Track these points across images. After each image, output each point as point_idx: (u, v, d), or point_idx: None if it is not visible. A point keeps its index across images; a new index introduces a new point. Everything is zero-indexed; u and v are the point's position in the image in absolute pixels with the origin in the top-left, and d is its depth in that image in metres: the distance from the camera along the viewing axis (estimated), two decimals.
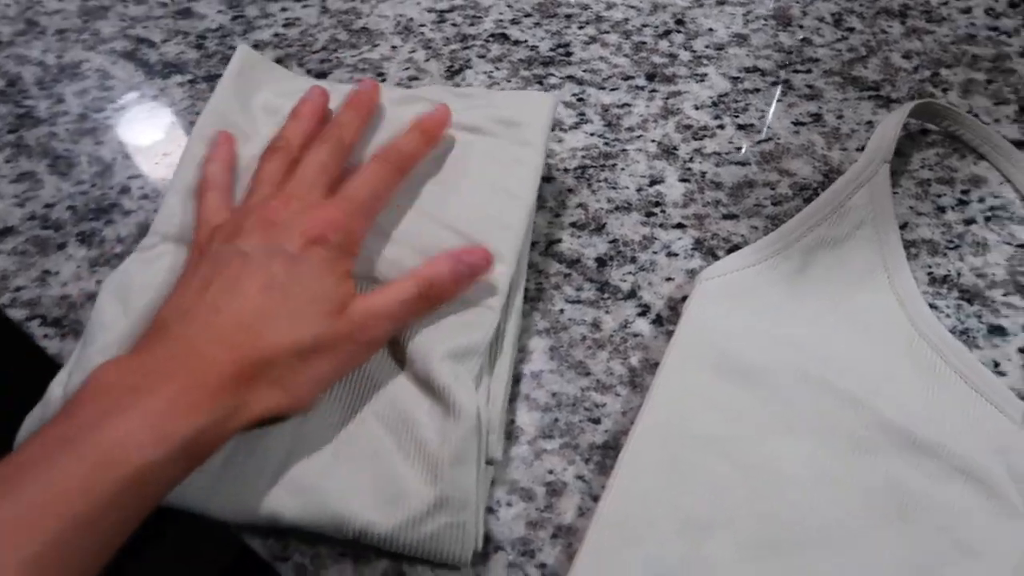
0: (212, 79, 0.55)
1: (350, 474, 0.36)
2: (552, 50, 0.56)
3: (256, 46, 0.57)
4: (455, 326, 0.39)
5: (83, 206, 0.49)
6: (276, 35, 0.57)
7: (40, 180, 0.50)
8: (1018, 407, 0.39)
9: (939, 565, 0.36)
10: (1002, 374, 0.41)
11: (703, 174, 0.49)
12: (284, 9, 0.59)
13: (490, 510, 0.39)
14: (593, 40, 0.56)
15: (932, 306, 0.43)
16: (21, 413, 0.39)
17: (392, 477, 0.36)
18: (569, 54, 0.55)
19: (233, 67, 0.47)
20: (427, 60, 0.56)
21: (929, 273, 0.45)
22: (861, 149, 0.50)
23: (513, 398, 0.41)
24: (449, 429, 0.36)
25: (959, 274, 0.45)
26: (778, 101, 0.52)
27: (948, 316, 0.43)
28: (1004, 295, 0.44)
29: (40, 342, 0.44)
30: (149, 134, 0.52)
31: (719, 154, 0.50)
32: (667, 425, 0.39)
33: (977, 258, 0.45)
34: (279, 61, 0.55)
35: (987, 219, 0.47)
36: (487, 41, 0.56)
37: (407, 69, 0.55)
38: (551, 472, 0.40)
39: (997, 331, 0.43)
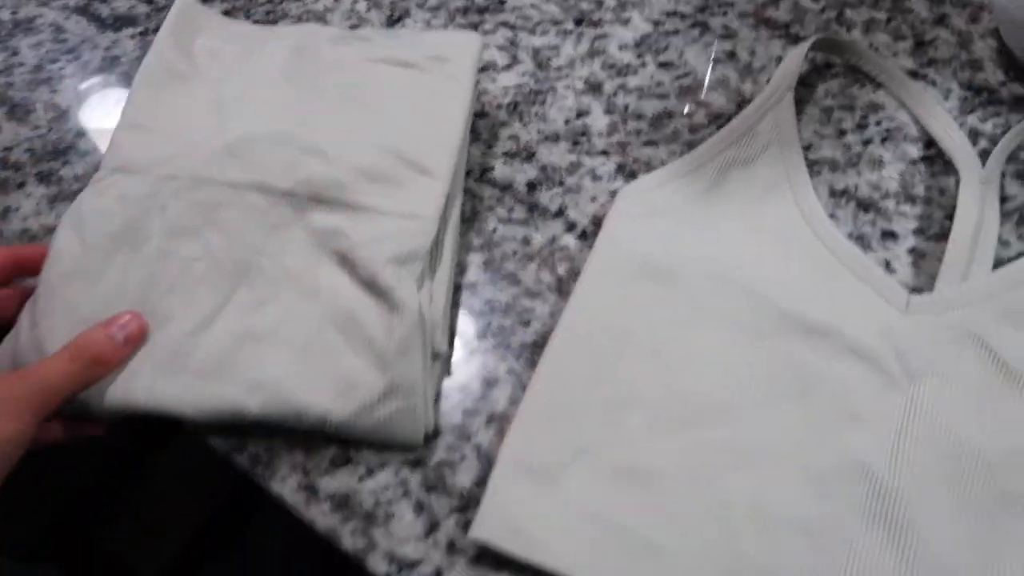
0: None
1: (307, 371, 0.40)
2: None
3: (204, 1, 0.60)
4: (396, 235, 0.42)
5: (41, 148, 0.52)
6: None
7: None
8: (902, 296, 0.43)
9: (832, 432, 0.40)
10: (893, 271, 0.46)
11: (626, 107, 0.53)
12: None
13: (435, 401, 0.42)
14: None
15: (831, 215, 0.48)
16: None
17: (345, 372, 0.40)
18: (502, 2, 0.59)
19: (173, 14, 0.51)
20: (368, 10, 0.59)
21: (830, 186, 0.49)
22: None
23: (451, 306, 0.45)
24: (394, 324, 0.40)
25: (856, 188, 0.49)
26: (695, 41, 0.56)
27: (846, 224, 0.48)
28: (897, 204, 0.48)
29: None
30: (102, 83, 0.55)
31: (641, 89, 0.54)
32: (587, 321, 0.43)
33: (873, 173, 0.50)
34: (226, 14, 0.58)
35: (883, 140, 0.51)
36: None
37: (350, 19, 0.58)
38: (485, 368, 0.43)
39: (889, 235, 0.47)
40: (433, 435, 0.41)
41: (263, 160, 0.44)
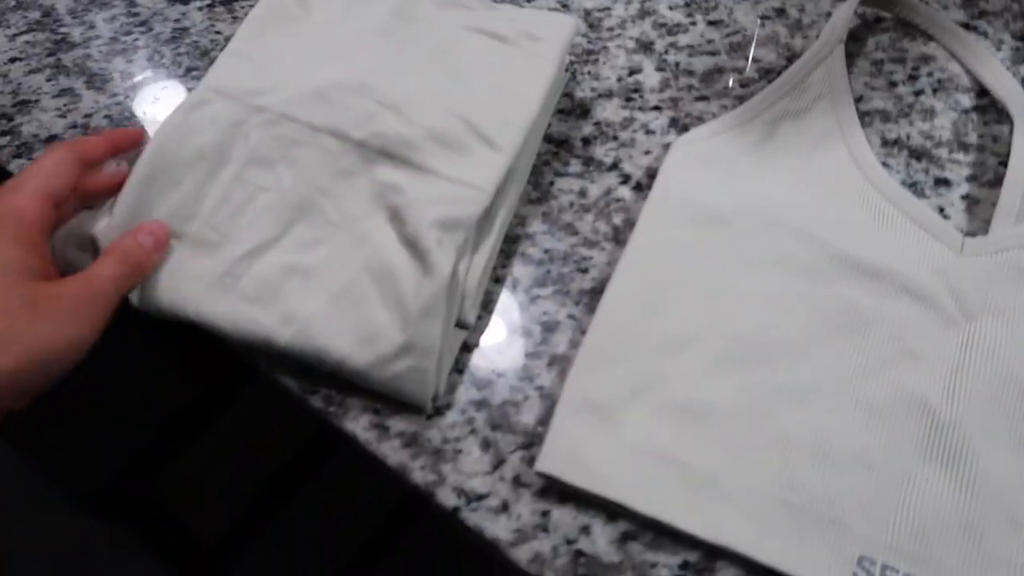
0: (229, 2, 0.60)
1: (337, 315, 0.42)
2: None
3: None
4: (448, 200, 0.43)
5: (118, 115, 0.55)
6: None
7: (79, 95, 0.56)
8: (957, 238, 0.44)
9: (889, 368, 0.41)
10: (947, 217, 0.46)
11: (677, 64, 0.54)
12: None
13: (494, 347, 0.44)
14: None
15: (884, 164, 0.48)
16: None
17: (370, 321, 0.41)
18: None
19: None
20: None
21: (882, 137, 0.50)
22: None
23: (510, 254, 0.47)
24: (424, 285, 0.41)
25: (908, 137, 0.50)
26: (744, 0, 0.57)
27: (898, 172, 0.48)
28: (949, 153, 0.49)
29: None
30: (174, 53, 0.58)
31: (692, 47, 0.55)
32: (643, 265, 0.44)
33: (925, 123, 0.50)
34: None
35: (935, 90, 0.51)
36: None
37: None
38: (545, 313, 0.45)
39: (942, 183, 0.48)
40: (495, 376, 0.43)
41: (343, 107, 0.46)
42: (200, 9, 0.60)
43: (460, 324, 0.43)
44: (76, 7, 0.61)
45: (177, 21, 0.60)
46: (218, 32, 0.59)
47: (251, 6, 0.59)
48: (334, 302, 0.42)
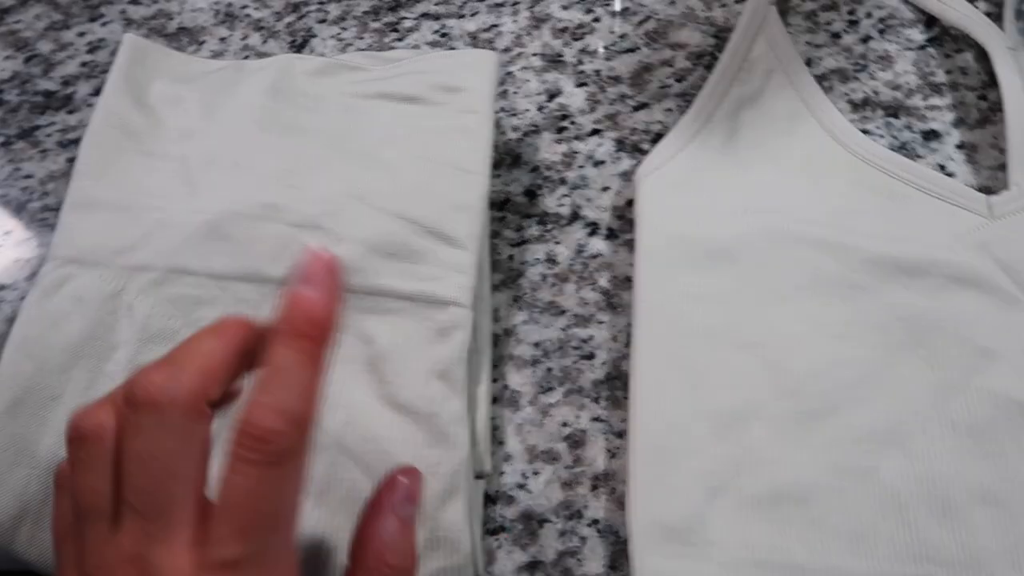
0: (28, 134, 0.47)
1: (326, 524, 0.32)
2: None
3: (66, 82, 0.49)
4: (428, 334, 0.34)
5: None
6: (84, 64, 0.50)
7: None
8: (979, 200, 0.39)
9: (969, 375, 0.35)
10: (951, 175, 0.41)
11: (598, 72, 0.46)
12: (82, 34, 0.51)
13: (520, 486, 0.35)
14: None
15: (864, 131, 0.42)
16: None
17: None
18: None
19: (121, 60, 0.41)
20: (265, 42, 0.50)
21: (849, 101, 0.44)
22: (740, 1, 0.48)
23: (497, 362, 0.38)
24: (434, 461, 0.32)
25: (876, 92, 0.44)
26: None
27: (882, 136, 0.43)
28: (924, 99, 0.44)
29: None
30: None
31: (606, 47, 0.47)
32: (664, 334, 0.37)
33: (886, 72, 0.45)
34: None
35: (881, 32, 0.46)
36: (321, 2, 0.50)
37: (245, 58, 0.49)
38: (565, 424, 0.37)
39: (931, 135, 0.42)
40: (537, 524, 0.35)
41: (248, 242, 0.36)
42: None
43: (477, 474, 0.34)
44: None
45: None
46: (28, 176, 0.46)
47: (60, 131, 0.46)
48: (319, 505, 0.32)
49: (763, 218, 0.39)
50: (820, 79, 0.44)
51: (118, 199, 0.37)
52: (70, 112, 0.48)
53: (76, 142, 0.47)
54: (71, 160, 0.46)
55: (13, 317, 0.40)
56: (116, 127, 0.39)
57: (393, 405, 0.33)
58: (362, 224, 0.35)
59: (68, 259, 0.36)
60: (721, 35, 0.47)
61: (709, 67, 0.46)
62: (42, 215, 0.45)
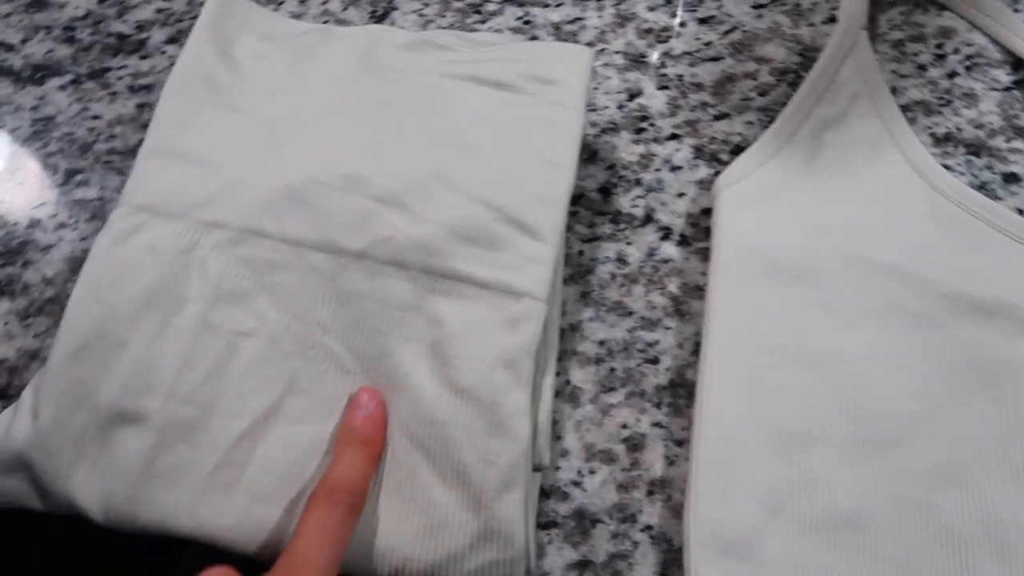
0: (98, 75, 0.47)
1: (383, 505, 0.32)
2: None
3: (140, 26, 0.49)
4: (500, 322, 0.33)
5: None
6: (159, 10, 0.49)
7: None
8: None
9: None
10: None
11: (680, 77, 0.46)
12: None
13: (575, 483, 0.35)
14: None
15: (945, 166, 0.42)
16: None
17: (430, 506, 0.31)
18: None
19: (208, 9, 0.40)
20: (345, 8, 0.49)
21: (932, 134, 0.44)
22: (827, 21, 0.47)
23: (560, 356, 0.38)
24: (494, 450, 0.31)
25: (959, 129, 0.44)
26: None
27: (962, 174, 0.42)
28: (1007, 141, 0.43)
29: None
30: (42, 153, 0.44)
31: (690, 53, 0.47)
32: (733, 348, 0.36)
33: (971, 110, 0.44)
34: None
35: (968, 69, 0.46)
36: None
37: (324, 23, 0.49)
38: (625, 427, 0.36)
39: (1011, 178, 0.42)
40: (590, 524, 0.34)
41: (328, 211, 0.35)
42: (62, 88, 0.46)
43: (535, 467, 0.34)
44: None
45: (35, 109, 0.46)
46: (95, 117, 0.45)
47: (131, 75, 0.46)
48: (375, 484, 0.32)
49: (840, 240, 0.39)
50: (904, 109, 0.44)
51: (198, 151, 0.37)
52: (143, 57, 0.47)
53: (147, 88, 0.46)
54: (141, 105, 0.46)
55: (72, 256, 0.40)
56: (200, 78, 0.38)
57: (455, 389, 0.32)
58: (444, 206, 0.35)
59: (142, 207, 0.35)
60: (807, 54, 0.46)
61: (792, 84, 0.45)
62: (107, 157, 0.44)
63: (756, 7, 0.48)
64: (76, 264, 0.40)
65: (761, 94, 0.45)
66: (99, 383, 0.32)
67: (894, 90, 0.45)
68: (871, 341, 0.37)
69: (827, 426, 0.35)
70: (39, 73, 0.47)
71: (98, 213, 0.42)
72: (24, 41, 0.48)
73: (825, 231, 0.39)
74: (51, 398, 0.32)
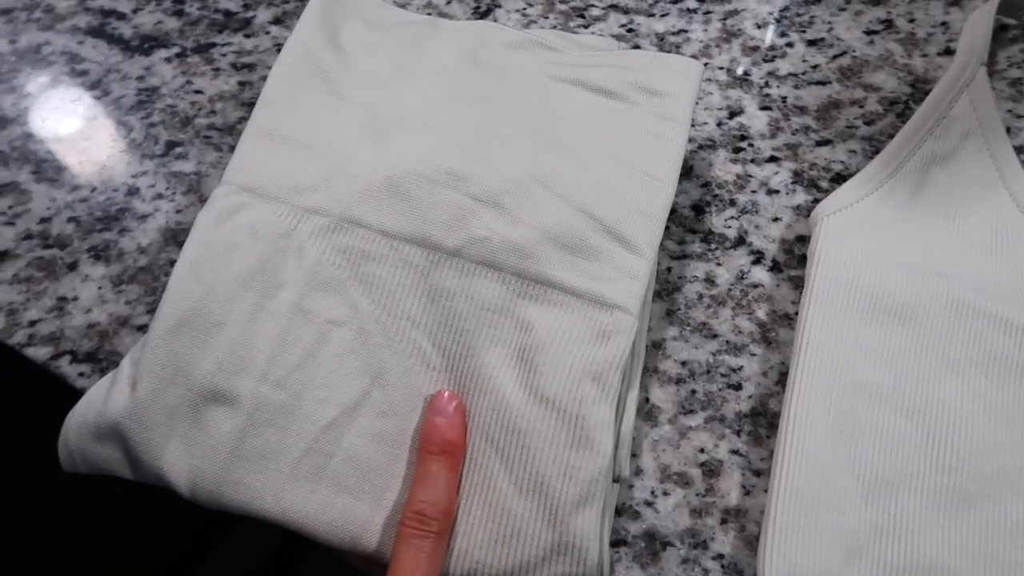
0: (203, 50, 0.47)
1: (462, 506, 0.32)
2: None
3: (247, 5, 0.49)
4: (591, 334, 0.33)
5: (87, 216, 0.42)
6: None
7: (26, 191, 0.43)
8: None
9: None
10: None
11: (784, 99, 0.45)
12: None
13: (648, 503, 0.34)
14: None
15: None
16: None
17: (504, 514, 0.31)
18: None
19: None
20: (448, 2, 0.49)
21: None
22: (943, 53, 0.46)
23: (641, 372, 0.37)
24: (575, 463, 0.31)
25: None
26: (842, 10, 0.48)
27: None
28: None
29: (76, 383, 0.37)
30: (144, 123, 0.45)
31: (795, 75, 0.46)
32: (825, 382, 0.35)
33: None
34: None
35: None
36: None
37: (428, 15, 0.49)
38: (702, 451, 0.36)
39: None
40: (660, 546, 0.34)
41: (426, 205, 0.35)
42: (168, 60, 0.47)
43: (615, 478, 0.33)
44: None
45: (141, 79, 0.47)
46: (198, 91, 0.46)
47: (235, 53, 0.46)
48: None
49: (944, 283, 0.37)
50: (1018, 151, 0.42)
51: (302, 136, 0.37)
52: (247, 36, 0.48)
53: (249, 67, 0.47)
54: (242, 83, 0.46)
55: (166, 227, 0.41)
56: (307, 63, 0.39)
57: (540, 397, 0.32)
58: (542, 210, 0.35)
59: (243, 186, 0.36)
60: (918, 85, 0.45)
61: (900, 115, 0.44)
62: (207, 132, 0.45)
63: (868, 32, 0.47)
64: (169, 235, 0.41)
65: (867, 123, 0.44)
66: (195, 360, 0.32)
67: (1008, 130, 0.43)
68: (970, 391, 0.35)
69: (916, 472, 0.34)
70: (147, 43, 0.48)
71: (194, 187, 0.43)
72: (136, 11, 0.49)
73: (930, 273, 0.38)
74: (149, 371, 0.32)
